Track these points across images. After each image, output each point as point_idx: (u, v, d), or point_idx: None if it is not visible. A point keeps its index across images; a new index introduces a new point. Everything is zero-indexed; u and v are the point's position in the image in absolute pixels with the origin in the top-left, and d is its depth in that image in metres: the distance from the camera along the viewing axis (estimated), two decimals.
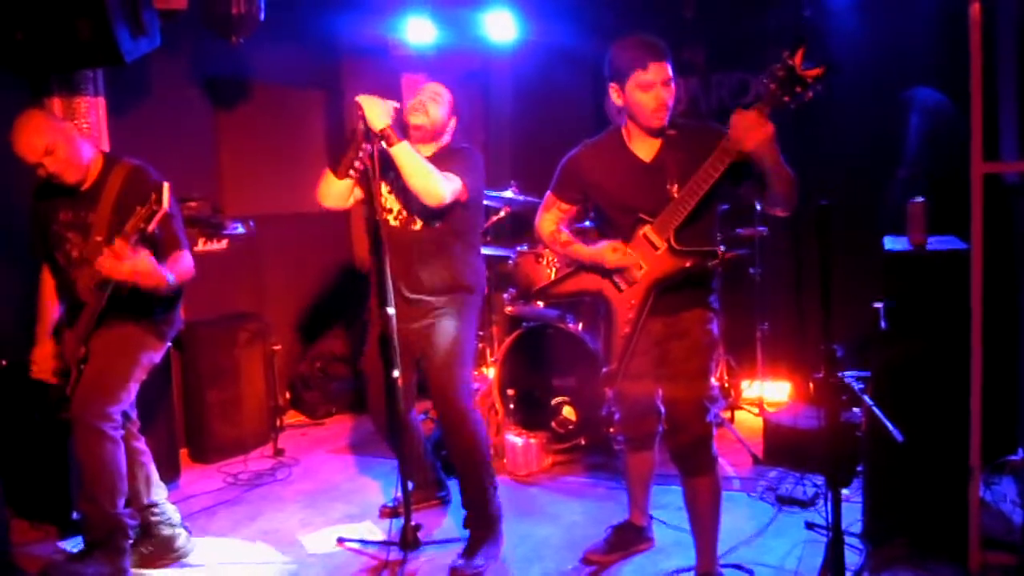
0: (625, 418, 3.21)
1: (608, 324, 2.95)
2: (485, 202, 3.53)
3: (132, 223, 2.89)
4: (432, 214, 3.25)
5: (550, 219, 3.11)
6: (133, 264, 2.92)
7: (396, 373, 3.07)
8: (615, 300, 2.92)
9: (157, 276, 3.02)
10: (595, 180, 2.96)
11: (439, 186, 3.12)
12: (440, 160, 3.24)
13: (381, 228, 3.12)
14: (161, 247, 3.14)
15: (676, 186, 2.76)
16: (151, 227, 2.89)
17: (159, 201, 2.86)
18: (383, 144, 3.08)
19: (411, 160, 3.10)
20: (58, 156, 3.09)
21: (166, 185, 2.90)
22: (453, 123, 3.42)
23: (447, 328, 3.33)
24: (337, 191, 3.28)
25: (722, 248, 2.87)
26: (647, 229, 2.81)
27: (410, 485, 3.72)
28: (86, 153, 3.20)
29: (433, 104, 3.34)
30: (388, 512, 3.84)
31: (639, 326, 2.86)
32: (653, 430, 3.16)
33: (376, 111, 3.07)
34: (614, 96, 2.85)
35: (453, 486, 3.71)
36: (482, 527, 3.35)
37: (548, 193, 3.12)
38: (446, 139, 3.42)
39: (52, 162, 3.09)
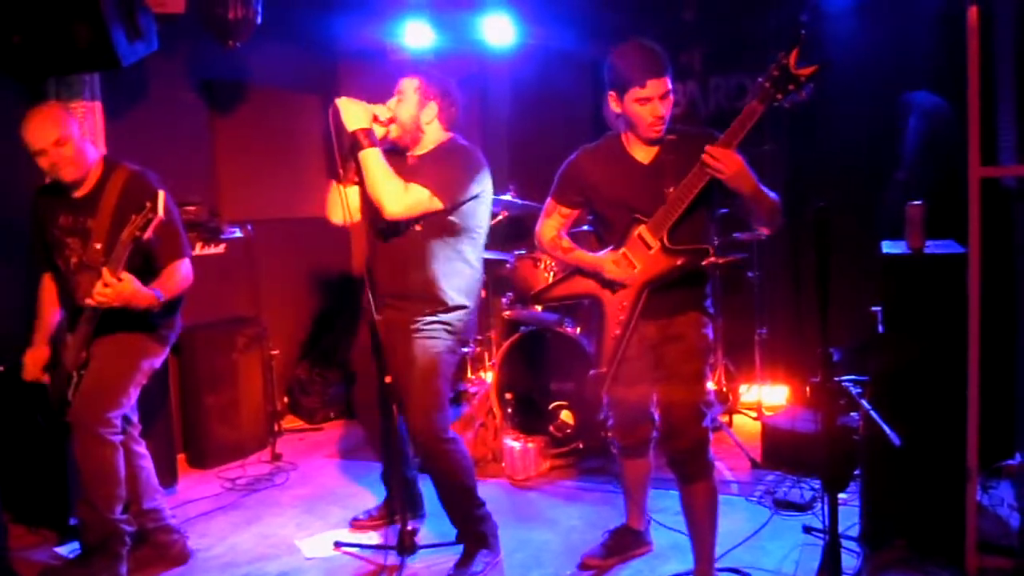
0: (619, 424, 3.20)
1: (600, 326, 2.96)
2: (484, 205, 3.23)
3: (128, 231, 2.88)
4: (410, 220, 3.09)
5: (551, 225, 3.11)
6: (120, 292, 2.92)
7: (388, 379, 3.05)
8: (608, 302, 2.93)
9: (146, 298, 3.02)
10: (594, 182, 2.97)
11: (391, 201, 2.98)
12: (425, 162, 3.16)
13: (372, 233, 3.10)
14: (160, 256, 3.14)
15: (674, 189, 2.77)
16: (147, 235, 2.88)
17: (154, 209, 2.85)
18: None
19: (371, 168, 2.98)
20: (65, 151, 3.08)
21: (161, 192, 2.89)
22: (434, 107, 3.17)
23: (422, 349, 3.14)
24: (344, 202, 3.12)
25: (711, 248, 2.87)
26: (642, 229, 2.82)
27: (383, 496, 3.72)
28: (91, 155, 3.20)
29: (400, 105, 3.17)
30: (359, 525, 3.76)
31: (630, 327, 2.86)
32: (647, 437, 3.16)
33: (351, 113, 3.00)
34: (612, 104, 2.86)
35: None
36: (475, 542, 3.28)
37: (548, 199, 3.12)
38: (435, 132, 3.21)
39: (57, 154, 3.07)
